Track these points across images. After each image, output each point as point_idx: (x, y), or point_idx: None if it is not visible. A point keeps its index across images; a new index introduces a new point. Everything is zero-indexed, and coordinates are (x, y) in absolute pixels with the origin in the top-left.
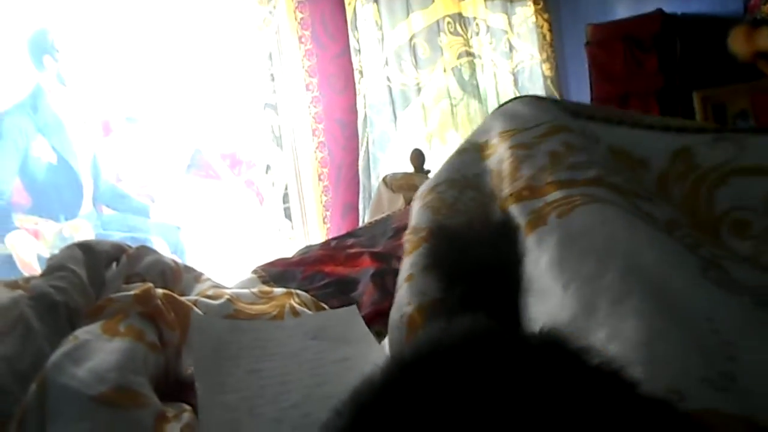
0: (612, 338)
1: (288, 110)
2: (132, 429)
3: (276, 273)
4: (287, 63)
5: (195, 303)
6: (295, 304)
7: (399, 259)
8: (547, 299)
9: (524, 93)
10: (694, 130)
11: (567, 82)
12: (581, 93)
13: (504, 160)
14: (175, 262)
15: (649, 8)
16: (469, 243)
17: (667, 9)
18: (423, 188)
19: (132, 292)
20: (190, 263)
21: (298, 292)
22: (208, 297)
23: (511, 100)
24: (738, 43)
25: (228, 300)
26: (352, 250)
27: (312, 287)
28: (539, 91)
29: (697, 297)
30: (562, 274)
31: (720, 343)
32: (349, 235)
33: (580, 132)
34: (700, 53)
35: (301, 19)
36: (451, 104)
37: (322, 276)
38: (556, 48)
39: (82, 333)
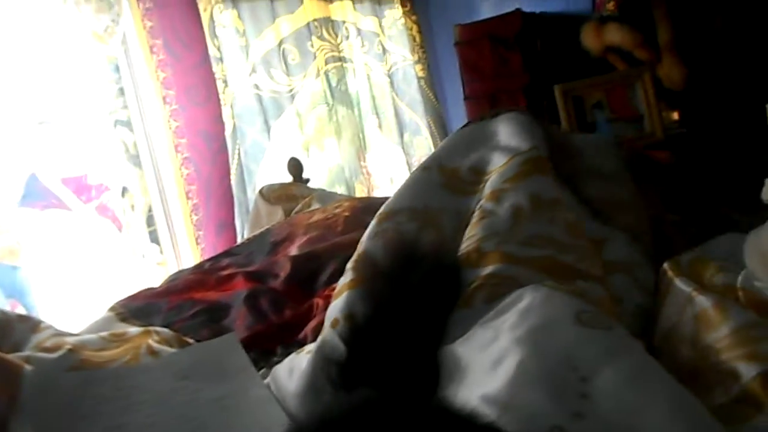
0: (486, 397)
1: (143, 126)
2: None
3: (137, 308)
4: (138, 75)
5: (27, 360)
6: (153, 344)
7: (276, 276)
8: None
9: (400, 95)
10: None
11: (441, 81)
12: (454, 92)
13: (474, 212)
14: (4, 312)
15: (509, 8)
16: (403, 304)
17: (526, 8)
18: (383, 209)
19: None
20: (34, 307)
21: (158, 329)
22: (46, 349)
23: (487, 118)
24: (589, 39)
25: (69, 350)
26: (225, 272)
27: (180, 318)
28: (414, 92)
29: (564, 341)
30: (466, 351)
31: (576, 380)
32: (225, 254)
33: (552, 174)
34: (558, 49)
35: (150, 27)
36: (327, 110)
37: (191, 304)
38: (427, 49)
39: None
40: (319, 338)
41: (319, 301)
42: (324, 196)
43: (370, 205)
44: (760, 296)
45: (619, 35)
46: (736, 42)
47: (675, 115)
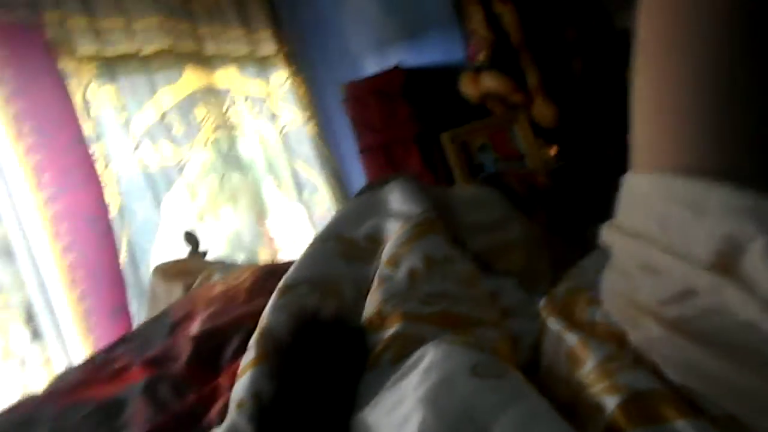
0: None
1: (14, 217)
2: None
3: (16, 422)
4: (3, 162)
5: None
6: None
7: (176, 359)
8: None
9: (295, 155)
10: None
11: (335, 137)
12: (349, 146)
13: (373, 280)
14: None
15: (390, 64)
16: (309, 378)
17: (406, 63)
18: (283, 282)
19: None
20: None
21: None
22: None
23: (377, 186)
24: (467, 88)
25: None
26: (119, 364)
27: (69, 424)
28: (308, 150)
29: (461, 396)
30: (374, 417)
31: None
32: (119, 342)
33: (443, 233)
34: (441, 99)
35: (15, 112)
36: (219, 178)
37: (80, 406)
38: (317, 107)
39: None
40: (225, 423)
41: (224, 380)
42: (224, 267)
43: (272, 272)
44: (616, 328)
45: (493, 82)
46: (595, 80)
47: (553, 151)
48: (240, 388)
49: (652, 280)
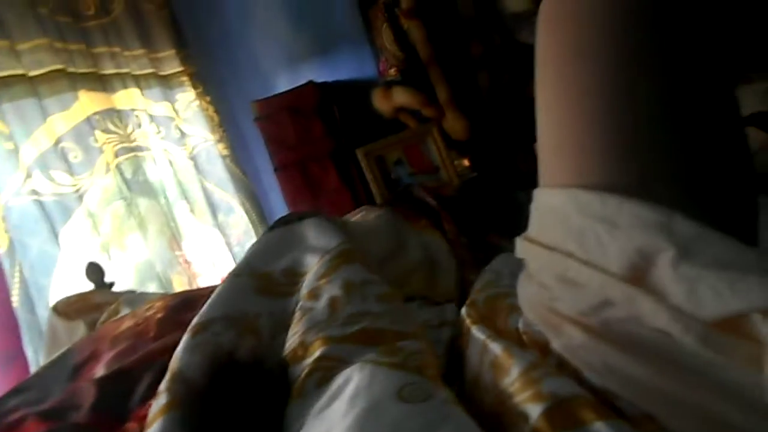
0: None
1: None
2: None
3: None
4: None
5: None
6: None
7: (78, 407)
8: None
9: (207, 176)
10: None
11: (250, 156)
12: (264, 164)
13: (293, 313)
14: None
15: (302, 80)
16: (226, 421)
17: (318, 79)
18: (196, 320)
19: None
20: None
21: None
22: None
23: (293, 221)
24: (380, 102)
25: None
26: (11, 418)
27: None
28: (221, 171)
29: (386, 422)
30: None
31: None
32: (13, 392)
33: (361, 260)
34: (355, 114)
35: None
36: (126, 204)
37: None
38: (228, 126)
39: None
40: None
41: (132, 425)
42: (133, 298)
43: (185, 301)
44: (539, 336)
45: (405, 97)
46: (502, 93)
47: (466, 162)
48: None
49: (571, 291)
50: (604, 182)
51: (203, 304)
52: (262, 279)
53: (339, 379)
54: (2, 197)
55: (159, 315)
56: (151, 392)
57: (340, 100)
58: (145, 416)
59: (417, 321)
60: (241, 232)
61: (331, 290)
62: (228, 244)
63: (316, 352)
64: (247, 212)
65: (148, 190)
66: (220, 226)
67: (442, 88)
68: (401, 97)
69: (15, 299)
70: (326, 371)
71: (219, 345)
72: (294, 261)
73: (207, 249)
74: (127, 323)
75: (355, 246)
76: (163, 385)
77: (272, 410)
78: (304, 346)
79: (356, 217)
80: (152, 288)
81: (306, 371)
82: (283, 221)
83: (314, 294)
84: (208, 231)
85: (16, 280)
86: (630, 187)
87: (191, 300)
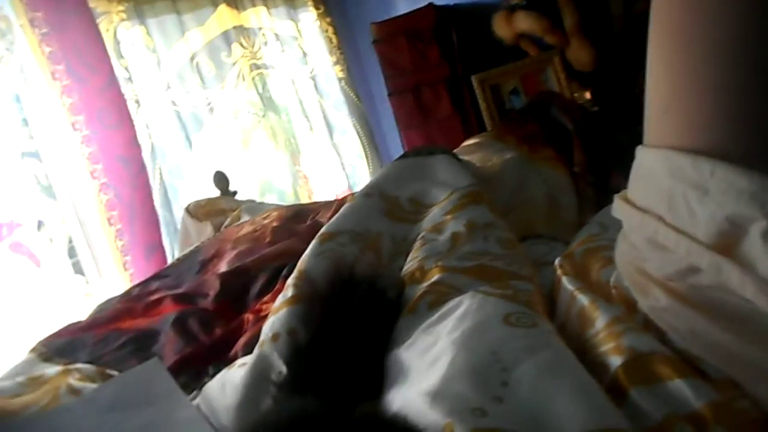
0: (421, 392)
1: (54, 156)
2: None
3: (60, 345)
4: (42, 104)
5: None
6: (74, 382)
7: (205, 295)
8: (400, 377)
9: (325, 97)
10: None
11: (366, 80)
12: (377, 89)
13: (415, 241)
14: None
15: (423, 2)
16: (343, 324)
17: (438, 2)
18: (325, 229)
19: None
20: None
21: (78, 366)
22: None
23: (423, 153)
24: (501, 28)
25: None
26: (153, 297)
27: (107, 351)
28: (337, 93)
29: (491, 338)
30: (409, 356)
31: (498, 370)
32: (154, 277)
33: (488, 204)
34: (474, 40)
35: (50, 53)
36: (250, 120)
37: (117, 335)
38: (346, 49)
39: None
40: (255, 353)
41: (249, 316)
42: (252, 207)
43: (297, 213)
44: (628, 294)
45: (528, 22)
46: (635, 23)
47: (587, 95)
48: (275, 322)
49: (659, 255)
50: (706, 146)
51: (313, 218)
52: (390, 203)
53: (450, 303)
54: (146, 106)
55: (274, 224)
56: (264, 291)
57: (459, 24)
58: (259, 310)
59: (532, 266)
60: (353, 155)
61: (455, 227)
62: (342, 164)
63: (433, 278)
64: (359, 135)
65: (273, 106)
66: (335, 146)
67: (570, 13)
68: (524, 22)
69: (156, 198)
70: (439, 295)
71: (343, 255)
72: (421, 191)
73: (323, 167)
74: (247, 228)
75: (483, 189)
76: (290, 281)
77: (383, 323)
78: (422, 271)
79: (475, 155)
80: (270, 199)
81: (420, 292)
82: (415, 152)
83: (438, 228)
84: (324, 150)
85: (157, 181)
86: (732, 154)
87: (303, 212)
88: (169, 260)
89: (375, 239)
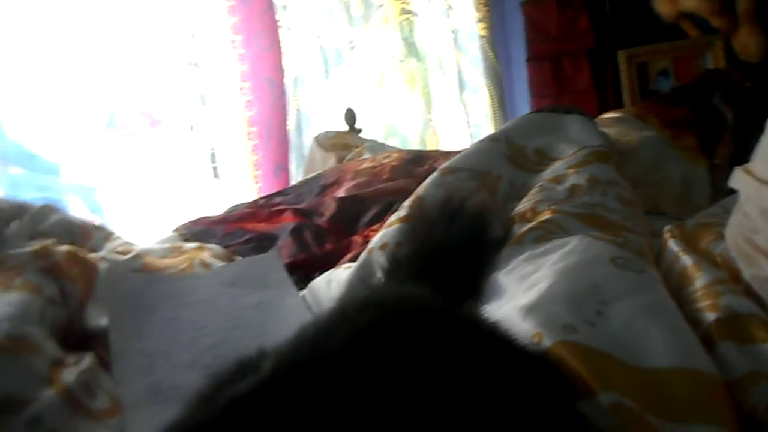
0: (516, 307)
1: (212, 68)
2: (24, 374)
3: (197, 231)
4: (210, 20)
5: (102, 259)
6: (206, 257)
7: (321, 214)
8: (496, 294)
9: (463, 53)
10: None
11: (506, 42)
12: (516, 53)
13: (533, 186)
14: (84, 221)
15: None
16: (445, 245)
17: None
18: (448, 164)
19: (30, 249)
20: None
21: (211, 246)
22: (117, 253)
23: (559, 111)
24: (663, 3)
25: (136, 255)
26: (278, 208)
27: (232, 243)
28: (476, 51)
29: (595, 274)
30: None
31: (596, 301)
32: (278, 194)
33: (615, 165)
34: (628, 12)
35: None
36: (389, 63)
37: (242, 233)
38: (493, 7)
39: None
40: (362, 256)
41: (357, 238)
42: (375, 146)
43: (418, 157)
44: (732, 263)
45: (696, 1)
46: None
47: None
48: (385, 234)
49: None
50: None
51: (431, 164)
52: (515, 150)
53: (557, 241)
54: (296, 36)
55: (394, 163)
56: (376, 219)
57: None
58: (367, 236)
59: (647, 226)
60: (481, 114)
61: (576, 179)
62: (467, 122)
63: (544, 217)
64: (490, 96)
65: (415, 52)
66: (463, 103)
67: None
68: (691, 0)
69: (291, 123)
70: (547, 232)
71: (459, 188)
72: (548, 144)
73: (451, 120)
74: (367, 164)
75: (613, 152)
76: (406, 203)
77: (482, 251)
78: (533, 212)
79: (612, 129)
80: (393, 143)
81: (528, 227)
82: (550, 108)
83: (558, 179)
84: (452, 105)
85: (294, 107)
86: None
87: (423, 157)
88: (292, 182)
89: (493, 180)
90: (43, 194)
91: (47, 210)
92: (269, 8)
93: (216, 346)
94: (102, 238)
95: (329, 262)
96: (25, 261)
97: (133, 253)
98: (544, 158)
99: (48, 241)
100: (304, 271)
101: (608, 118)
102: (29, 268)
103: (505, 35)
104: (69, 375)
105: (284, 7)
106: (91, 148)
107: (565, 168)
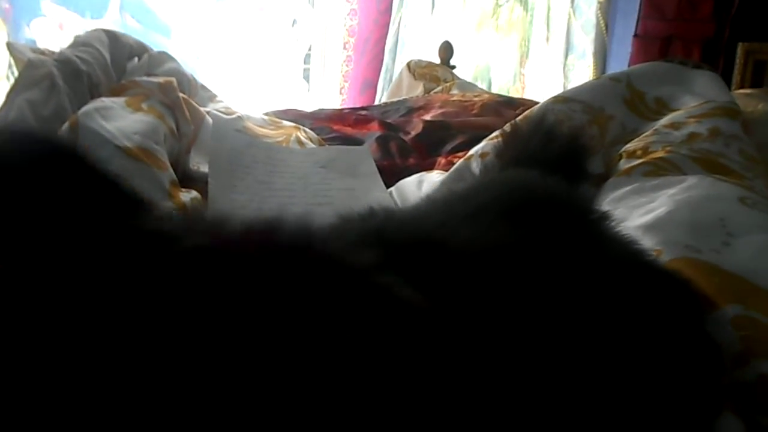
0: (629, 227)
1: None
2: (151, 184)
3: (286, 119)
4: None
5: (208, 113)
6: (302, 137)
7: (407, 132)
8: None
9: (577, 16)
10: None
11: (619, 13)
12: (626, 27)
13: (646, 130)
14: (193, 77)
15: None
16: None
17: None
18: (562, 93)
19: (157, 80)
20: None
21: (306, 129)
22: (230, 111)
23: (685, 62)
24: None
25: (239, 117)
26: (365, 116)
27: (320, 137)
28: (590, 15)
29: (721, 208)
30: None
31: (722, 233)
32: (363, 108)
33: (741, 122)
34: (760, 5)
35: None
36: (496, 4)
37: (329, 131)
38: None
39: (107, 100)
40: (461, 162)
41: (441, 159)
42: (465, 85)
43: (509, 101)
44: None
45: None
46: None
47: None
48: (486, 144)
49: None
50: None
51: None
52: (635, 94)
53: (672, 177)
54: None
55: (484, 101)
56: (461, 148)
57: None
58: (451, 161)
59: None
60: (580, 81)
61: (696, 128)
62: (564, 86)
63: (658, 155)
64: (595, 65)
65: (524, 1)
66: (565, 67)
67: None
68: None
69: (388, 43)
70: (658, 168)
71: (569, 118)
72: (670, 94)
73: (543, 79)
74: (457, 98)
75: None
76: (514, 121)
77: (580, 177)
78: (645, 150)
79: (740, 100)
80: (480, 86)
81: (638, 162)
82: (680, 60)
83: (676, 126)
84: (553, 66)
85: (394, 28)
86: None
87: (514, 103)
88: (377, 101)
89: (606, 119)
90: None
91: (164, 57)
92: None
93: (302, 217)
94: (207, 98)
95: (411, 174)
96: (151, 90)
97: (236, 115)
98: (663, 108)
99: (171, 78)
100: (385, 177)
101: (737, 92)
102: (153, 97)
103: (618, 6)
104: (185, 196)
105: None
106: (199, 18)
107: (685, 117)
